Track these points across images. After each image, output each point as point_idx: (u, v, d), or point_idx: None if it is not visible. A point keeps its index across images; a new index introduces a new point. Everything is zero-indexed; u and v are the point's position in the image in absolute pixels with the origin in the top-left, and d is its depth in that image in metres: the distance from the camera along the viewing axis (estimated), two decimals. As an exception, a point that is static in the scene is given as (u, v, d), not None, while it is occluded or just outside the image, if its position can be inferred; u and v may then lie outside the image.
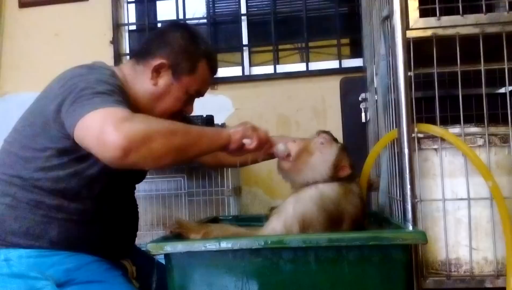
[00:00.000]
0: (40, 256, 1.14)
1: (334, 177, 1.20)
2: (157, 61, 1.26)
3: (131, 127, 0.99)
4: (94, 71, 1.19)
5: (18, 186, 1.16)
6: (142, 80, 1.28)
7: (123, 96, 1.15)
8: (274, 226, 1.14)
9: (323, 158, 1.21)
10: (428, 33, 1.23)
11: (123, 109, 1.04)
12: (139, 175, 1.43)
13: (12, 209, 1.15)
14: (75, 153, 1.15)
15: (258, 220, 1.46)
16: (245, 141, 1.19)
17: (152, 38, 1.34)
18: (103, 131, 0.98)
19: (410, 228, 1.16)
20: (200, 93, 1.35)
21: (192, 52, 1.29)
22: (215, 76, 1.38)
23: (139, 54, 1.32)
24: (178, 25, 1.39)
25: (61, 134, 1.13)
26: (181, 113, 1.35)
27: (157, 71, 1.27)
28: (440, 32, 1.23)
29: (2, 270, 1.13)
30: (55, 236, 1.16)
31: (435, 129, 1.21)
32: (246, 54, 3.10)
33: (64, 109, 1.10)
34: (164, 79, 1.28)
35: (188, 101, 1.34)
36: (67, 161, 1.16)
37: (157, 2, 3.28)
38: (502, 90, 1.95)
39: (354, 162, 1.25)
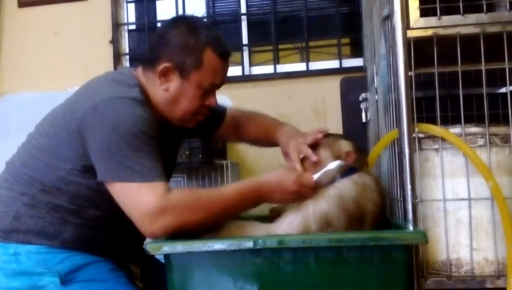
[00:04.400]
0: (49, 252, 1.15)
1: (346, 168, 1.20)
2: (161, 66, 1.22)
3: (165, 222, 1.06)
4: (125, 101, 1.14)
5: (38, 189, 1.16)
6: (155, 88, 1.25)
7: (153, 125, 1.15)
8: (292, 221, 1.13)
9: (324, 163, 1.21)
10: (429, 32, 1.23)
11: (160, 192, 1.06)
12: None
13: (29, 208, 1.16)
14: None
15: (259, 221, 1.45)
16: None
17: (153, 43, 1.29)
18: (140, 215, 1.07)
19: (411, 228, 1.15)
20: (216, 84, 1.28)
21: (193, 46, 1.21)
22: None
23: (145, 61, 1.28)
24: (175, 21, 1.29)
25: (86, 153, 1.13)
26: (203, 108, 1.30)
27: (164, 75, 1.23)
28: (441, 31, 1.23)
29: (9, 265, 1.13)
30: (68, 238, 1.16)
31: (436, 129, 1.21)
32: (246, 54, 3.10)
33: (94, 147, 1.11)
34: (174, 83, 1.23)
35: (207, 95, 1.28)
36: (90, 177, 1.14)
37: (157, 2, 3.28)
38: (503, 90, 1.95)
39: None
